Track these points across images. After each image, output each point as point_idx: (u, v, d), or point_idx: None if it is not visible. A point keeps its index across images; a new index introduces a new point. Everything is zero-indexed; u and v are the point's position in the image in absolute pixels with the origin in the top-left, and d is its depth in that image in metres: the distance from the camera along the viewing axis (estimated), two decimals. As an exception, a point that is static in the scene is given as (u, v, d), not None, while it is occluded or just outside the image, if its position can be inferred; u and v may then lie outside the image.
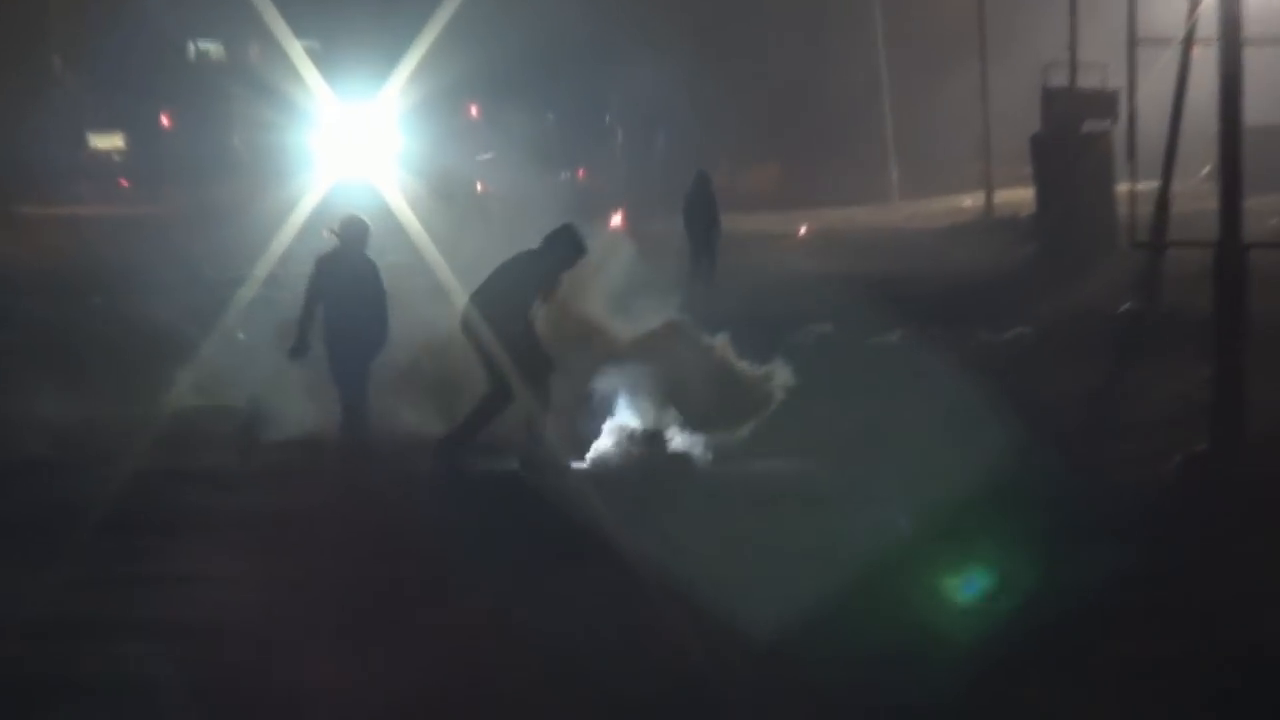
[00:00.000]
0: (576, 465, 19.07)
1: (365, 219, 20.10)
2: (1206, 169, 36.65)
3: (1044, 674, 11.33)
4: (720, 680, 11.40)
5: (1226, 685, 11.01)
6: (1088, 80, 35.70)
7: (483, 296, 19.47)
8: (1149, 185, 27.17)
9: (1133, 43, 18.37)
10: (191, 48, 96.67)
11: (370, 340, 19.52)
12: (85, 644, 12.56)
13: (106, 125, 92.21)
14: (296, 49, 56.47)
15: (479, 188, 60.28)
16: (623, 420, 19.84)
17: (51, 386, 22.82)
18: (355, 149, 49.61)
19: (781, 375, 22.28)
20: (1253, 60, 15.74)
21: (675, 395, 20.33)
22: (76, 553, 15.25)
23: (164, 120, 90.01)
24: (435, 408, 21.34)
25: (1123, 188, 31.50)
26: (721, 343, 22.63)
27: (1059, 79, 37.81)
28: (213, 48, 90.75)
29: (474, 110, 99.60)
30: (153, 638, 12.69)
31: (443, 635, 12.77)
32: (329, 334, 19.52)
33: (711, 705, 11.12)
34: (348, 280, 19.39)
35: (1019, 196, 55.43)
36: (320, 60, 71.78)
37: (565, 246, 19.93)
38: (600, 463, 19.02)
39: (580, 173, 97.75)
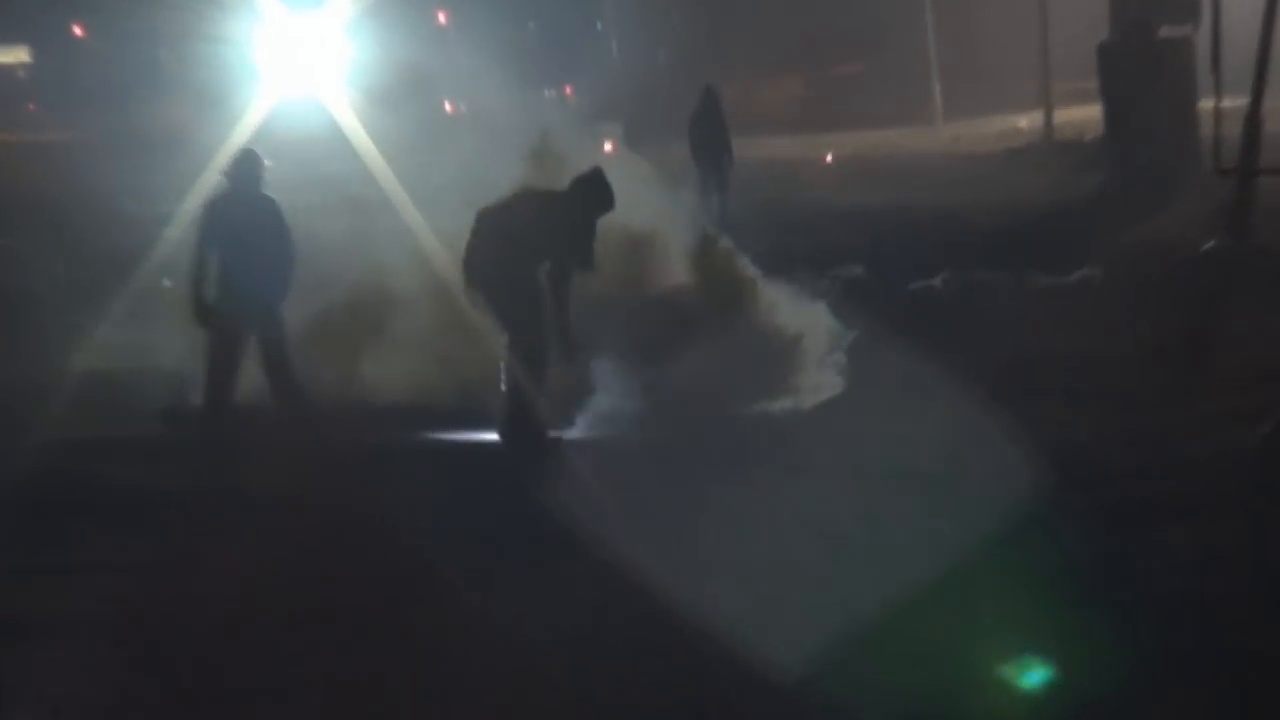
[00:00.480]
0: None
1: (257, 152, 19.95)
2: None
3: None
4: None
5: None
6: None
7: (485, 258, 19.25)
8: (1237, 102, 27.04)
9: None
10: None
11: (271, 290, 19.32)
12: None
13: (7, 37, 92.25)
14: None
15: (448, 108, 60.37)
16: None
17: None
18: (302, 63, 49.49)
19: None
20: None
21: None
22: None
23: (76, 30, 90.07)
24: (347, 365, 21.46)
25: (1206, 104, 31.41)
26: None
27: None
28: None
29: (441, 17, 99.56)
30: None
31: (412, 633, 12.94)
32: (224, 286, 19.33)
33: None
34: (244, 224, 19.24)
35: (1084, 115, 55.43)
36: (263, -43, 71.65)
37: (601, 201, 19.66)
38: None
39: (568, 90, 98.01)
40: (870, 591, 12.90)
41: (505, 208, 19.35)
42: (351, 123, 26.90)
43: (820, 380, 20.73)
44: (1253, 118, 26.16)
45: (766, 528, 15.04)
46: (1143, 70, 36.47)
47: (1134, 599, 12.68)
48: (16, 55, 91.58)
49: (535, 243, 18.91)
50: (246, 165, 19.82)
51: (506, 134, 27.93)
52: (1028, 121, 62.35)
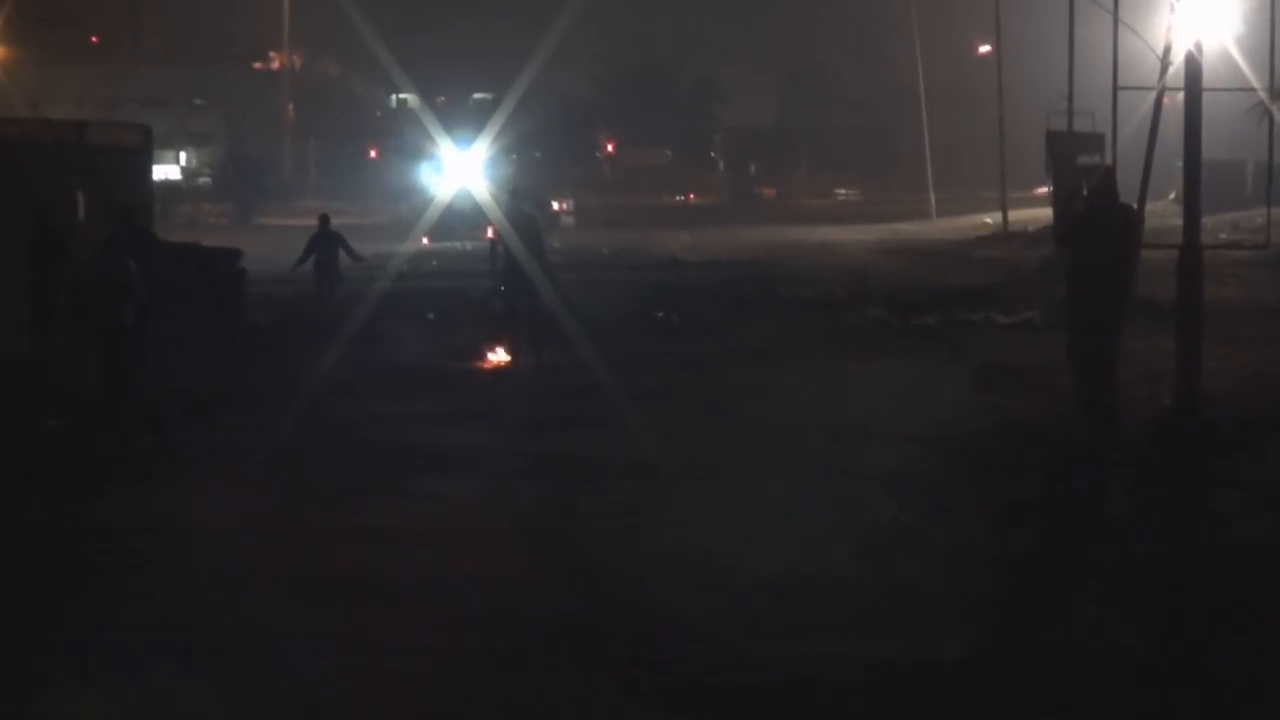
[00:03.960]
0: None
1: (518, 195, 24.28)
2: (1173, 194, 36.64)
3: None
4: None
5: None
6: (1081, 124, 35.65)
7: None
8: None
9: (1115, 94, 18.60)
10: (394, 98, 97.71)
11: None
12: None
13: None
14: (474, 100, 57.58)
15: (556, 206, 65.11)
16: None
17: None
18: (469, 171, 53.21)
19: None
20: (1213, 106, 15.98)
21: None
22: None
23: (372, 153, 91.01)
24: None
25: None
26: None
27: (1059, 123, 37.81)
28: (409, 98, 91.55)
29: (610, 146, 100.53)
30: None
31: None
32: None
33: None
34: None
35: (1030, 215, 56.24)
36: (490, 109, 72.46)
37: None
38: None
39: (690, 196, 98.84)
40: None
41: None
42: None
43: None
44: (1139, 214, 26.04)
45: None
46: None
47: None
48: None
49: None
50: (514, 201, 23.23)
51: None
52: (992, 219, 63.22)
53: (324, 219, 30.69)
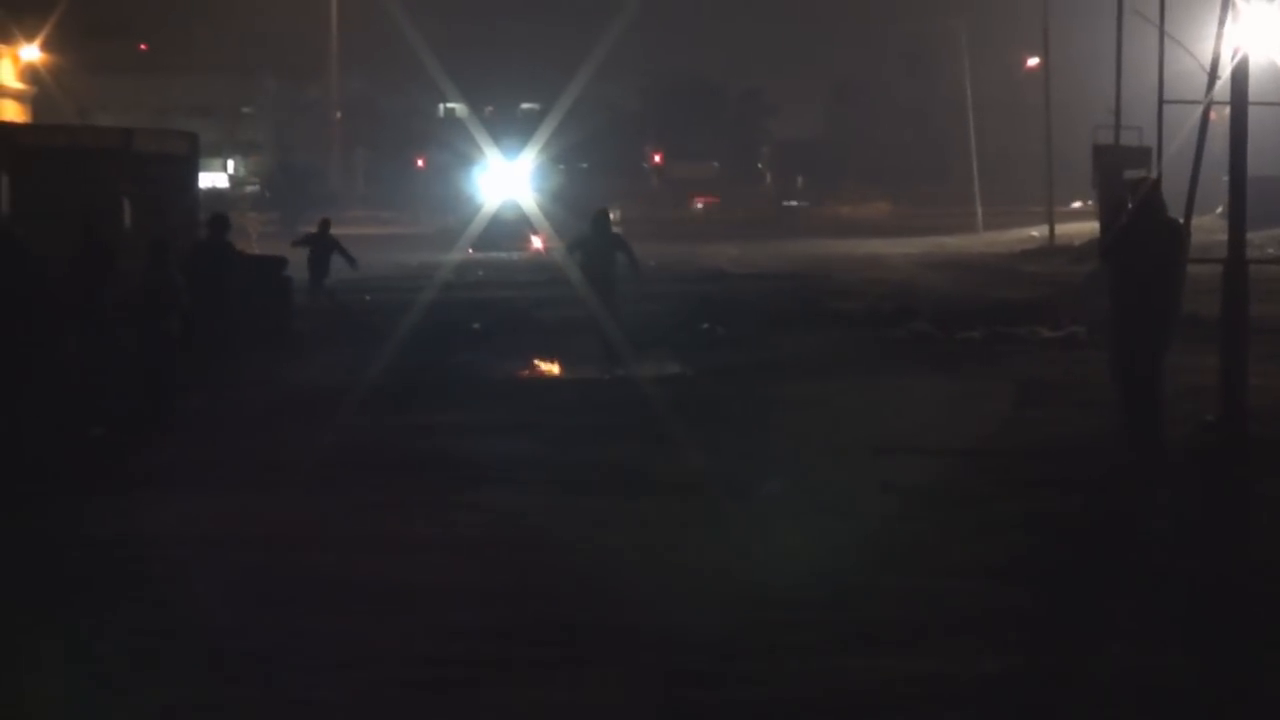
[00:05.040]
0: None
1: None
2: (1220, 209, 36.40)
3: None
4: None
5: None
6: (1128, 138, 35.52)
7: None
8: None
9: (1160, 108, 18.58)
10: (441, 107, 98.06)
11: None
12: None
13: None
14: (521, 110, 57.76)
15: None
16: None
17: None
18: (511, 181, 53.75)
19: None
20: (1262, 121, 15.98)
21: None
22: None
23: (419, 162, 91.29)
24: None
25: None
26: None
27: (1106, 138, 37.69)
28: (458, 107, 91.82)
29: (658, 158, 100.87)
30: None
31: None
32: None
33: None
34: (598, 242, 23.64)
35: (1075, 229, 56.06)
36: (538, 119, 72.78)
37: None
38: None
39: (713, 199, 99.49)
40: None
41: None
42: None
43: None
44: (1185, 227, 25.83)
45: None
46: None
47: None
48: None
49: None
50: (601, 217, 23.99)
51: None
52: (1038, 233, 63.05)
53: (325, 222, 33.33)
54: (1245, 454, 14.85)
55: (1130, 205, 15.06)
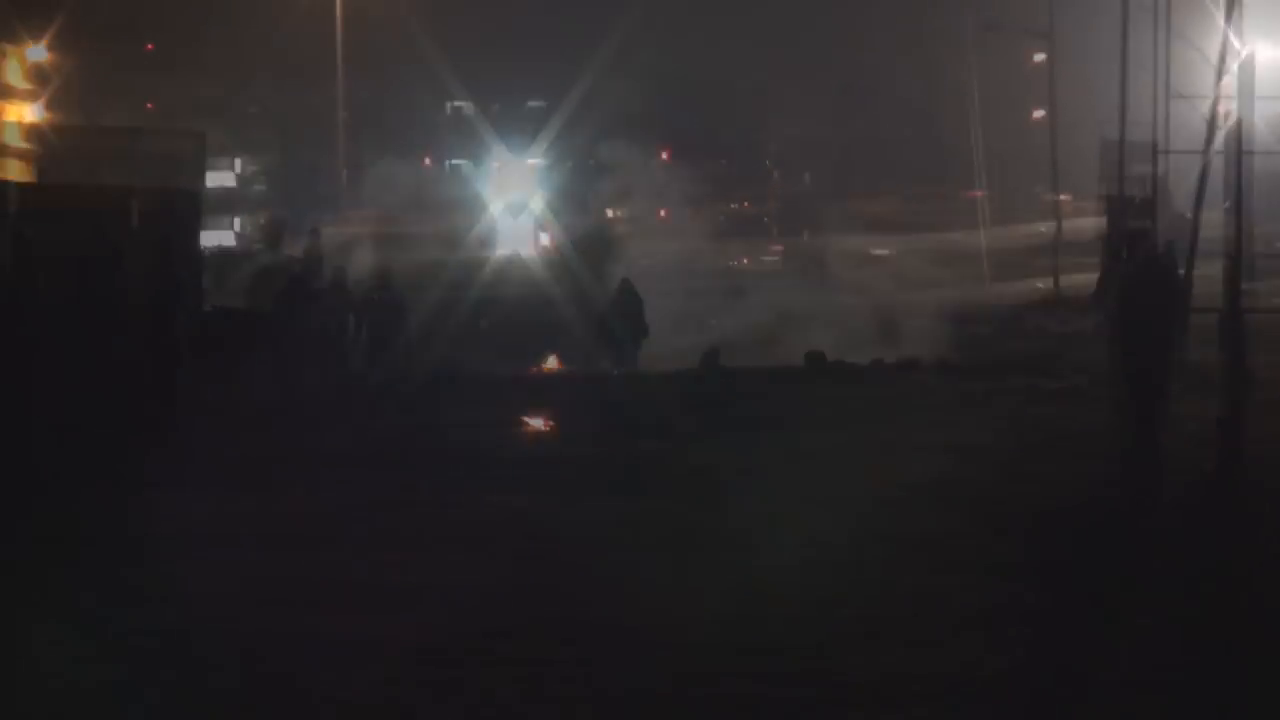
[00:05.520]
0: None
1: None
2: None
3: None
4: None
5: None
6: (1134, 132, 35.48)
7: None
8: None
9: (1155, 157, 18.81)
10: (448, 106, 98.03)
11: None
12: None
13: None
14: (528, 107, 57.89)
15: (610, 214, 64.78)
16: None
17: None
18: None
19: None
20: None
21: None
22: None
23: (426, 160, 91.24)
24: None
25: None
26: None
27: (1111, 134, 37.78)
28: (464, 105, 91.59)
29: (665, 154, 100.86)
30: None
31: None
32: None
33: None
34: None
35: (1080, 280, 55.23)
36: (545, 117, 72.87)
37: None
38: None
39: (745, 203, 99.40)
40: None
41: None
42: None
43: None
44: (1186, 276, 25.56)
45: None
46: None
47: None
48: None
49: None
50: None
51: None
52: (1043, 284, 62.19)
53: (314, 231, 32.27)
54: (1242, 503, 14.85)
55: (1125, 255, 15.10)
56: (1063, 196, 63.14)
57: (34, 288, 17.57)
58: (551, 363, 23.18)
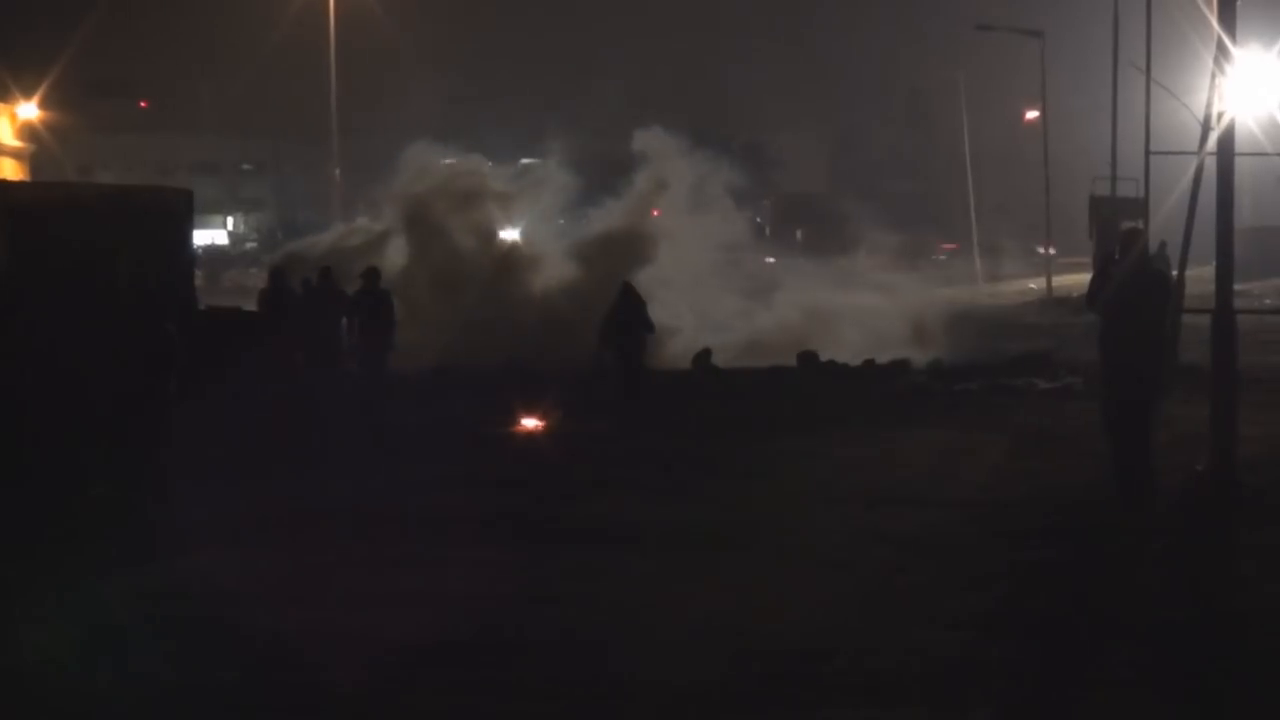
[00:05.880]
0: None
1: None
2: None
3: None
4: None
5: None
6: (1125, 189, 35.70)
7: None
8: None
9: (1148, 159, 18.82)
10: (443, 164, 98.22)
11: None
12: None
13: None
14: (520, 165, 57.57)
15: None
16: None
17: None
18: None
19: None
20: (1265, 172, 16.09)
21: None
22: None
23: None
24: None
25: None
26: None
27: (1103, 189, 38.05)
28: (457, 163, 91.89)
29: (655, 212, 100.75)
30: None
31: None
32: None
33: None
34: None
35: (1072, 280, 56.20)
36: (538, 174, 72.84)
37: None
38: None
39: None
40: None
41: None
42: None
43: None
44: (1179, 278, 25.92)
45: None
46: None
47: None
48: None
49: None
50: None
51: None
52: (1036, 285, 63.22)
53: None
54: (1234, 504, 14.87)
55: (1117, 257, 15.13)
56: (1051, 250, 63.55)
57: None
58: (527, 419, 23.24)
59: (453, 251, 38.37)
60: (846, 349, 31.57)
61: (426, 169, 42.61)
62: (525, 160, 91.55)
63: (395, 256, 37.55)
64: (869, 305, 38.00)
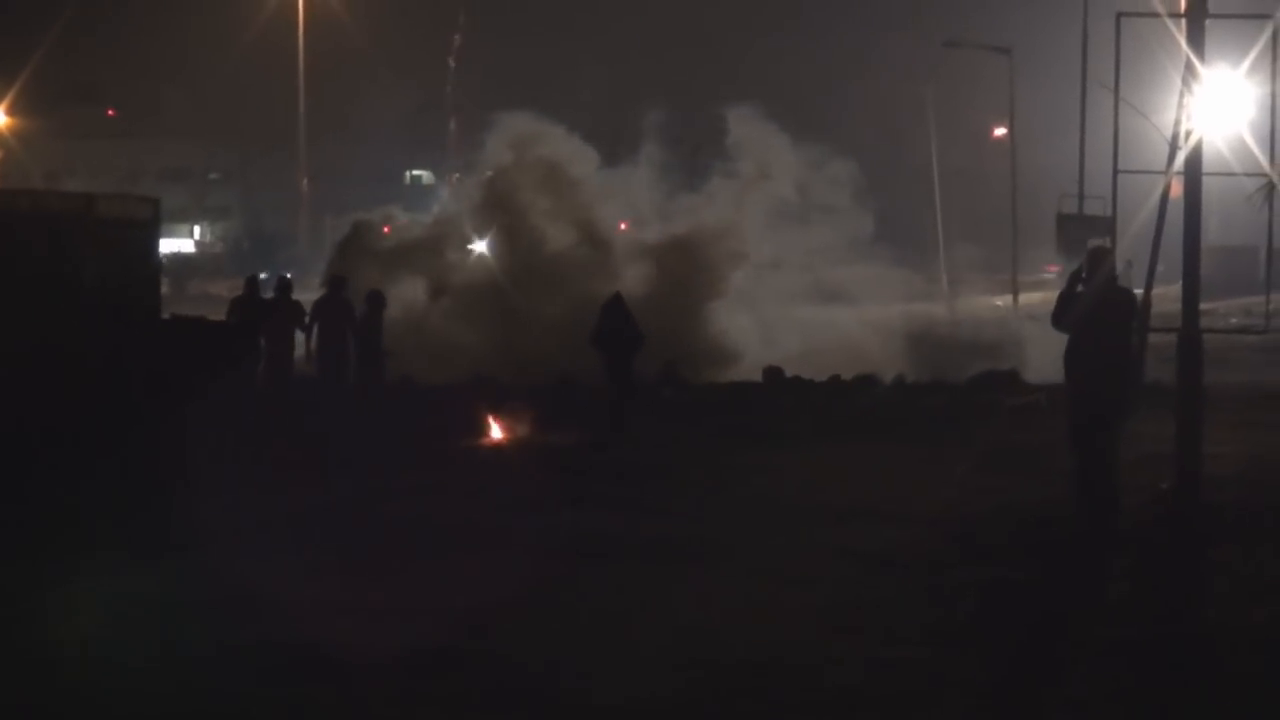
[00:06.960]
0: None
1: None
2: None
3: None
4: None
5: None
6: (1093, 208, 35.74)
7: None
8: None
9: (1115, 177, 18.86)
10: (407, 175, 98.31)
11: None
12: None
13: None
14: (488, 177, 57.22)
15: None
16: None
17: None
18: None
19: None
20: (1229, 191, 16.17)
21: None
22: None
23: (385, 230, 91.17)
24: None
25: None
26: None
27: (1071, 207, 38.06)
28: (424, 174, 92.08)
29: (623, 225, 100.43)
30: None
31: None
32: None
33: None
34: None
35: (1038, 298, 56.22)
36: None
37: None
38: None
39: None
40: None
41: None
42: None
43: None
44: (1145, 298, 26.01)
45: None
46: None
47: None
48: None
49: None
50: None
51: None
52: (1002, 302, 63.18)
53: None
54: (1198, 521, 14.90)
55: (1084, 275, 15.15)
56: (1052, 270, 63.66)
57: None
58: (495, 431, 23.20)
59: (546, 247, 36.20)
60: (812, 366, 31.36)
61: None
62: (491, 173, 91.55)
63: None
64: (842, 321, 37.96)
